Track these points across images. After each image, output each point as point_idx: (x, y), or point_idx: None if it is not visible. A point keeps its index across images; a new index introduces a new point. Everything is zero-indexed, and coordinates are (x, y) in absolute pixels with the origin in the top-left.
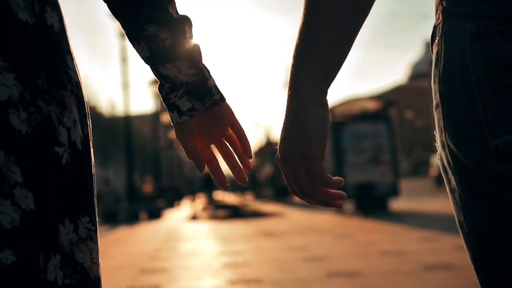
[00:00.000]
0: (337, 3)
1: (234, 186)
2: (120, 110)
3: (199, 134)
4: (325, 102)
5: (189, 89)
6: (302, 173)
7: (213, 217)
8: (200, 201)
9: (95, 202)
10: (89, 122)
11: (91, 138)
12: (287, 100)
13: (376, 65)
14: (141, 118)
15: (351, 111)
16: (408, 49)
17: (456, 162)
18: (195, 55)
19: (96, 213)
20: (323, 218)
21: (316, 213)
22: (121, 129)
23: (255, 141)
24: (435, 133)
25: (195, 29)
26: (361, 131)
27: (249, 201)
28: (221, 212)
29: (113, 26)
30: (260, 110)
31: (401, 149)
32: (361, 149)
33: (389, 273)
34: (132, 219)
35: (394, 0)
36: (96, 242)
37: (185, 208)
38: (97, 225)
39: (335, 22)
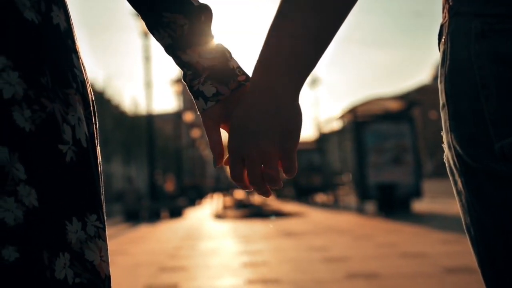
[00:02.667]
0: None
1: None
2: (143, 109)
3: (228, 122)
4: (299, 96)
5: (212, 73)
6: (274, 165)
7: (234, 216)
8: (223, 200)
9: (103, 199)
10: (95, 120)
11: (97, 136)
12: (262, 93)
13: (400, 65)
14: (164, 117)
15: (374, 111)
16: (432, 48)
17: (462, 164)
18: (215, 39)
19: (104, 210)
20: (343, 219)
21: (337, 214)
22: (144, 128)
23: None
24: (442, 133)
25: (215, 19)
26: (384, 131)
27: (270, 200)
28: (242, 211)
29: (137, 26)
30: None
31: (425, 150)
32: (383, 149)
33: (409, 276)
34: (153, 217)
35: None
36: (105, 240)
37: (207, 206)
38: (105, 222)
39: (324, 12)
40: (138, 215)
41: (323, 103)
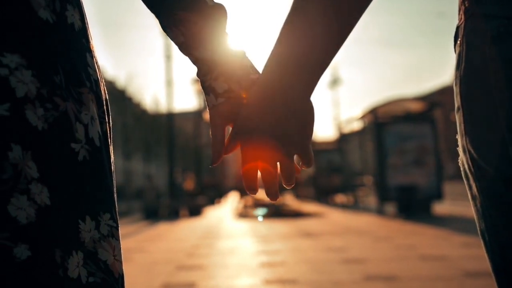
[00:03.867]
0: None
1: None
2: (163, 107)
3: (237, 120)
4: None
5: (224, 70)
6: (291, 161)
7: (253, 215)
8: (243, 199)
9: (115, 198)
10: (109, 119)
11: (110, 135)
12: (275, 92)
13: (422, 66)
14: (184, 115)
15: (394, 112)
16: None
17: (477, 168)
18: (228, 38)
19: (117, 209)
20: (363, 220)
21: (356, 215)
22: (164, 126)
23: None
24: (456, 137)
25: (232, 19)
26: (405, 132)
27: (289, 200)
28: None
29: (158, 24)
30: None
31: (446, 152)
32: (404, 151)
33: (429, 279)
34: (172, 215)
35: (441, 0)
36: (118, 239)
37: (226, 205)
38: (118, 221)
39: (339, 10)
40: (157, 213)
41: (344, 103)
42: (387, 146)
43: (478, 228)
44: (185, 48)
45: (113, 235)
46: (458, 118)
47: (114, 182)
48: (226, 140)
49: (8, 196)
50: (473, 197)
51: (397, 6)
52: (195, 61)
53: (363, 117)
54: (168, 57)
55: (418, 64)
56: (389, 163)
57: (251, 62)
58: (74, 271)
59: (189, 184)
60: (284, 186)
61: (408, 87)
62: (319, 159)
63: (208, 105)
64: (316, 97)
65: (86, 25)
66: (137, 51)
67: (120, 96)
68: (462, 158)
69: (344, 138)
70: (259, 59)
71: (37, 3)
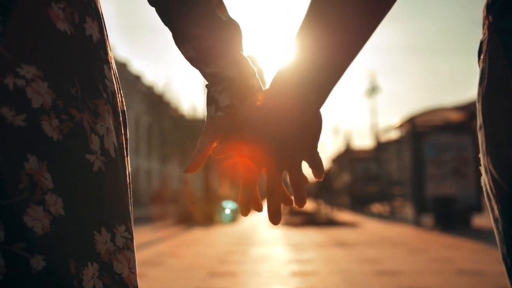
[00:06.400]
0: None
1: (309, 193)
2: (200, 112)
3: (232, 133)
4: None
5: (231, 85)
6: (299, 170)
7: (286, 223)
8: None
9: (131, 210)
10: (125, 131)
11: (126, 146)
12: (295, 99)
13: (463, 74)
14: None
15: (433, 122)
16: None
17: (499, 190)
18: (242, 57)
19: (132, 221)
20: (399, 231)
21: (392, 225)
22: (201, 131)
23: (333, 148)
24: (479, 156)
25: (248, 34)
26: (443, 142)
27: (323, 208)
28: (295, 219)
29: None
30: (340, 117)
31: None
32: (443, 161)
33: None
34: (207, 220)
35: (479, 6)
36: (133, 251)
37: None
38: (133, 233)
39: (353, 23)
40: (192, 218)
41: (382, 112)
42: (425, 156)
43: (500, 253)
44: (195, 63)
45: (128, 247)
46: (480, 136)
47: (130, 193)
48: (218, 141)
49: (25, 207)
50: (495, 220)
51: (436, 12)
52: (205, 75)
53: (401, 126)
54: None
55: (459, 72)
56: (427, 173)
57: (260, 83)
58: (89, 282)
59: (224, 189)
60: (296, 205)
61: (448, 96)
62: (355, 168)
63: (207, 114)
64: (353, 105)
65: (105, 37)
66: (175, 56)
67: (158, 101)
68: (484, 179)
69: (381, 147)
70: (272, 65)
71: (55, 15)
